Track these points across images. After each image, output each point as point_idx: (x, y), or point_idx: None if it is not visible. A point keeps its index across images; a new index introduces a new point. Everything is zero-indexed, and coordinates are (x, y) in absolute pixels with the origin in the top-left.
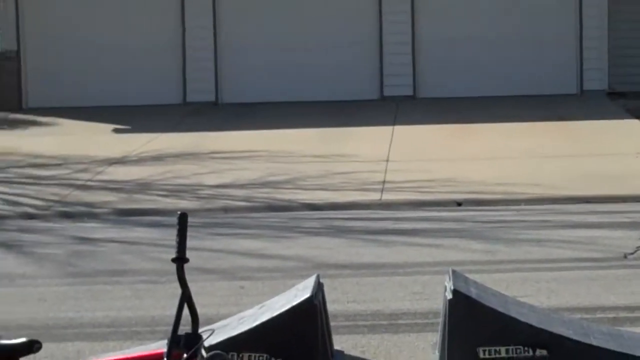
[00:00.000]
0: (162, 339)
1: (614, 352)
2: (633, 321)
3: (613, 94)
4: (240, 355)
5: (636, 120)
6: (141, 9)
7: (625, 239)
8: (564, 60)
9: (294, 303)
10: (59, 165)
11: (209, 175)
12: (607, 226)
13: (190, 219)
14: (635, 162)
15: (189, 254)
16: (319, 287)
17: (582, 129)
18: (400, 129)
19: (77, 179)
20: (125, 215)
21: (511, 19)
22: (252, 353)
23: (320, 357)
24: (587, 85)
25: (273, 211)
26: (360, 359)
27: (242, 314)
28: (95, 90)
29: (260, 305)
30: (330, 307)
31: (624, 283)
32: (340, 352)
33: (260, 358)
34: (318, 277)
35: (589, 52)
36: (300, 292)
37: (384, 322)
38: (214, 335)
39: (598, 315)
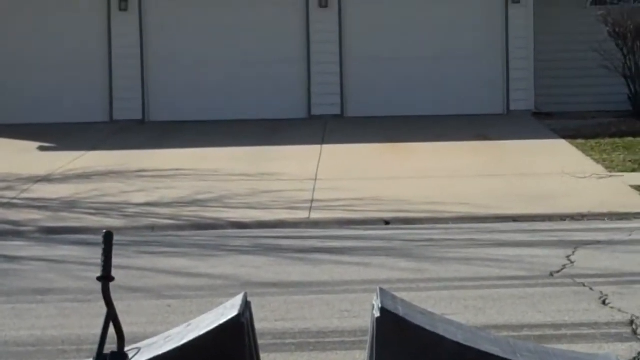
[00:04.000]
0: (88, 357)
1: None
2: (559, 338)
3: (539, 114)
4: None
5: (562, 140)
6: (65, 25)
7: (551, 257)
8: (490, 80)
9: (221, 321)
10: None
11: (136, 194)
12: (533, 245)
13: (116, 237)
14: (561, 181)
15: (115, 273)
16: (246, 306)
17: (509, 149)
18: (328, 148)
19: (2, 197)
20: (51, 234)
21: (438, 39)
22: None
23: None
24: (513, 106)
25: (200, 229)
26: None
27: (168, 333)
28: (19, 108)
29: (187, 324)
30: (258, 326)
31: (551, 301)
32: None
33: None
34: (245, 296)
35: (515, 72)
36: (228, 310)
37: (312, 340)
38: (140, 354)
39: (525, 333)
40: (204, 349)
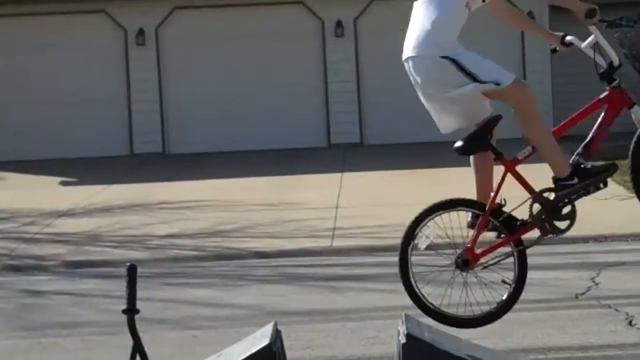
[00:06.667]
0: None
1: None
2: None
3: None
4: None
5: None
6: (84, 61)
7: (575, 280)
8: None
9: (253, 351)
10: (7, 219)
11: (158, 226)
12: (557, 267)
13: (140, 270)
14: (582, 204)
15: (140, 305)
16: (277, 334)
17: (530, 172)
18: (348, 176)
19: (25, 233)
20: (74, 268)
21: None
22: None
23: None
24: None
25: (223, 260)
26: None
27: None
28: (41, 144)
29: (217, 354)
30: None
31: (577, 323)
32: None
33: None
34: (275, 325)
35: None
36: (258, 339)
37: None
38: None
39: (552, 356)
40: None
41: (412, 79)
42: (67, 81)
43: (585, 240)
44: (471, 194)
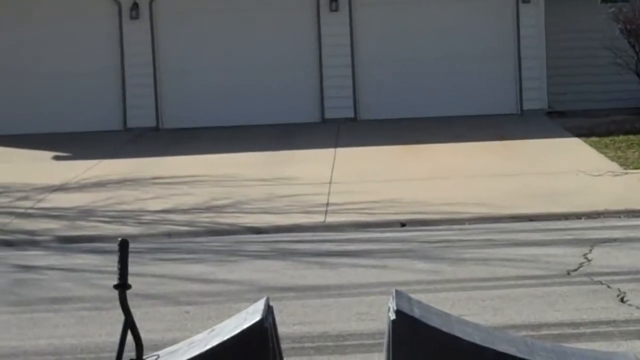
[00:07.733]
0: None
1: None
2: (578, 337)
3: (553, 114)
4: None
5: (576, 139)
6: (78, 35)
7: (568, 256)
8: (503, 81)
9: (245, 326)
10: None
11: (152, 201)
12: (550, 244)
13: (133, 245)
14: (577, 180)
15: (132, 280)
16: (269, 310)
17: (523, 148)
18: (342, 151)
19: (18, 207)
20: (67, 243)
21: (449, 40)
22: None
23: None
24: (526, 105)
25: (217, 235)
26: None
27: (192, 339)
28: (34, 118)
29: (210, 330)
30: None
31: (568, 299)
32: None
33: None
34: (268, 300)
35: (527, 72)
36: (250, 315)
37: (331, 344)
38: None
39: (543, 332)
40: (227, 355)
41: None
42: (60, 55)
43: (578, 216)
44: (463, 167)
